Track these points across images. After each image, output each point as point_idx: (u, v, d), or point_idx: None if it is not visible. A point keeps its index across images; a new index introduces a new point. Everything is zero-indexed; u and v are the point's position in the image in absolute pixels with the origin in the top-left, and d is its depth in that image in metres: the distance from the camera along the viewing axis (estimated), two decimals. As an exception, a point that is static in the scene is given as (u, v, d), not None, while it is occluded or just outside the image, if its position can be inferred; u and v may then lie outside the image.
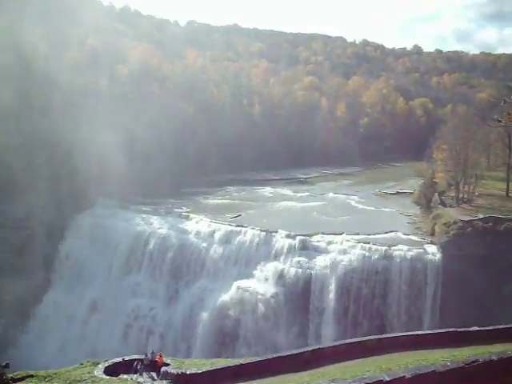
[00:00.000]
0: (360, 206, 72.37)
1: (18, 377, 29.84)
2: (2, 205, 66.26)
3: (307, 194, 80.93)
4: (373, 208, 71.13)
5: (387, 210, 70.34)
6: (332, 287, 53.56)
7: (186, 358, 38.60)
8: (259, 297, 55.22)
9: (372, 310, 52.82)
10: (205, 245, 61.24)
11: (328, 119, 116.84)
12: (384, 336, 34.03)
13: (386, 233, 58.81)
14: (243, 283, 56.68)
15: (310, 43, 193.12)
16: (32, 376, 29.83)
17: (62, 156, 70.82)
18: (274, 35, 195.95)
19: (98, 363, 31.56)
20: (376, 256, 53.90)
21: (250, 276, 57.02)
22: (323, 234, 58.32)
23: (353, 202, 74.77)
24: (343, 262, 54.13)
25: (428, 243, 56.29)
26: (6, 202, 66.47)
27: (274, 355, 33.02)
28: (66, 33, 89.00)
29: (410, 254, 54.18)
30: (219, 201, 76.56)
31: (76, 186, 70.24)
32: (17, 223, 65.94)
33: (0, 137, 66.77)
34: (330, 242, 56.71)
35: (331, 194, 79.93)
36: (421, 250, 54.91)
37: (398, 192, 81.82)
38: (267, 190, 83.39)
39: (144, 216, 68.41)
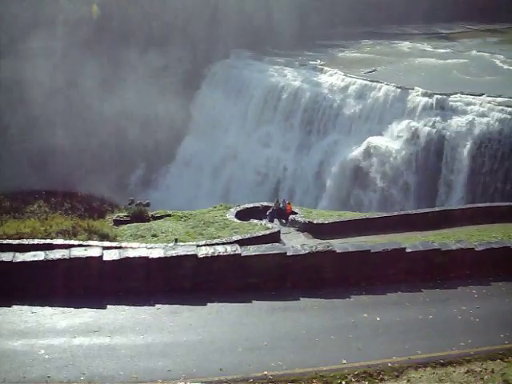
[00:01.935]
0: (505, 67, 67.30)
1: (158, 215, 32.39)
2: (138, 53, 68.15)
3: (448, 50, 76.31)
4: (520, 69, 66.12)
5: (536, 71, 65.22)
6: (467, 150, 51.59)
7: (313, 209, 39.83)
8: (390, 154, 54.72)
9: (507, 177, 50.79)
10: (338, 99, 60.56)
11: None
12: (516, 203, 33.14)
13: (532, 96, 54.86)
14: (375, 139, 56.09)
15: None
16: (169, 215, 32.22)
17: (194, 6, 70.92)
18: None
19: (230, 207, 33.39)
20: (517, 120, 50.82)
21: (382, 133, 56.15)
22: (462, 94, 55.35)
23: (498, 62, 69.62)
24: (481, 125, 51.69)
25: None
26: (146, 52, 68.31)
27: (401, 212, 33.33)
28: None
29: (556, 119, 50.52)
30: (354, 54, 74.29)
31: (212, 35, 70.87)
32: (156, 72, 68.12)
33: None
34: (468, 103, 53.89)
35: (474, 52, 74.74)
36: None
37: (551, 52, 75.14)
38: (405, 45, 79.51)
39: (278, 68, 68.06)
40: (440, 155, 53.46)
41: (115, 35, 68.29)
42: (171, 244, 22.73)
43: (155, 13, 69.03)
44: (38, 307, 11.52)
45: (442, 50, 76.07)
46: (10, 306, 11.50)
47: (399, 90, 57.30)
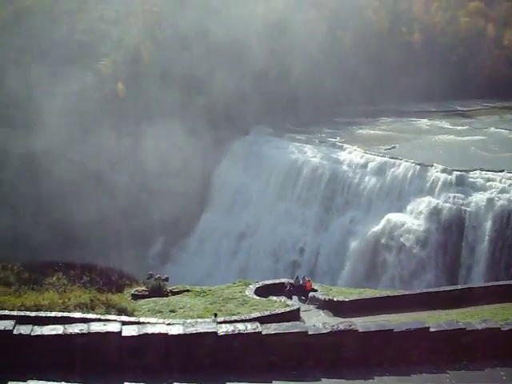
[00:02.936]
0: (524, 143, 67.78)
1: (176, 290, 32.10)
2: (161, 127, 69.33)
3: (466, 127, 77.04)
4: (538, 145, 66.31)
5: (555, 147, 65.32)
6: (487, 227, 51.30)
7: (333, 286, 39.37)
8: (410, 230, 54.42)
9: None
10: (357, 175, 60.93)
11: (493, 48, 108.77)
12: (541, 281, 32.50)
13: (552, 172, 54.74)
14: (395, 216, 55.98)
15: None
16: (188, 291, 31.93)
17: (218, 84, 72.60)
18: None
19: (249, 284, 33.08)
20: (538, 196, 50.59)
21: (401, 209, 56.13)
22: (481, 170, 55.55)
23: (516, 138, 70.21)
24: (501, 201, 51.50)
25: None
26: (167, 126, 69.53)
27: (423, 290, 32.79)
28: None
29: None
30: (373, 131, 75.24)
31: (233, 112, 72.23)
32: (177, 148, 69.10)
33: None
34: (488, 179, 53.98)
35: (492, 129, 75.39)
36: None
37: None
38: (424, 122, 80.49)
39: (298, 144, 69.03)
40: (461, 232, 53.10)
41: (137, 111, 69.93)
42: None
43: (178, 89, 70.60)
44: (54, 383, 11.30)
45: (460, 127, 76.79)
46: (25, 381, 11.29)
47: (418, 166, 57.56)
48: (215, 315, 24.65)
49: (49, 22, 73.10)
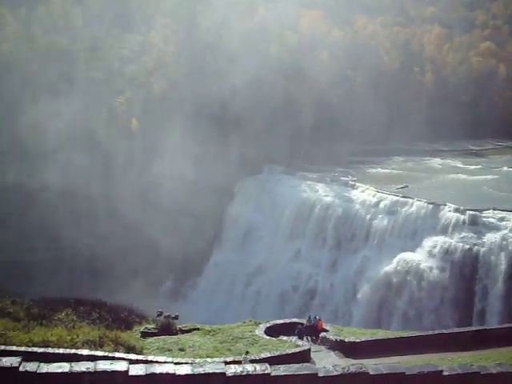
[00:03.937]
0: (537, 182, 67.38)
1: (186, 328, 31.83)
2: (173, 164, 69.62)
3: (479, 167, 76.87)
4: (552, 185, 65.91)
5: None
6: (501, 267, 50.71)
7: (344, 326, 38.86)
8: (423, 271, 53.88)
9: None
10: (369, 214, 60.61)
11: (505, 88, 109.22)
12: (557, 323, 31.94)
13: None
14: (407, 256, 55.48)
15: (488, 6, 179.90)
16: (198, 329, 31.65)
17: (231, 122, 73.07)
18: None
19: (259, 323, 32.74)
20: (553, 236, 50.07)
21: (414, 249, 55.62)
22: (494, 209, 55.12)
23: (529, 178, 69.87)
24: (515, 241, 50.99)
25: None
26: (178, 160, 69.70)
27: (436, 332, 32.20)
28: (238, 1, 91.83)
29: None
30: (386, 170, 75.18)
31: (245, 151, 72.53)
32: (188, 185, 69.23)
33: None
34: (501, 219, 53.54)
35: (505, 168, 75.19)
36: None
37: None
38: (436, 161, 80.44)
39: (309, 183, 69.00)
40: (474, 272, 52.47)
41: (149, 147, 70.50)
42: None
43: (191, 126, 71.03)
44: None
45: (472, 167, 76.62)
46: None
47: (431, 205, 57.20)
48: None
49: (66, 60, 74.35)
